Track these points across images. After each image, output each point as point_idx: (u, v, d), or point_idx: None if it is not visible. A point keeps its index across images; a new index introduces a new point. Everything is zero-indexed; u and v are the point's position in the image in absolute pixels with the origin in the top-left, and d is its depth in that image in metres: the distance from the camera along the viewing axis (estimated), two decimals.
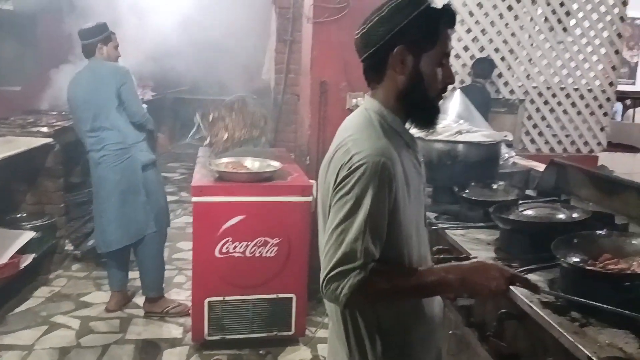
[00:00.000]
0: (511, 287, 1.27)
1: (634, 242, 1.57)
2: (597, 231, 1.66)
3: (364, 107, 1.32)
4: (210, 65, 5.32)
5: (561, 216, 1.90)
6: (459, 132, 2.48)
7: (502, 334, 1.61)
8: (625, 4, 4.98)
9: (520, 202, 2.06)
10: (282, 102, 4.35)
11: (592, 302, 1.34)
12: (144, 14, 4.00)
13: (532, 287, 1.30)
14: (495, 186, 2.37)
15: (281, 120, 4.40)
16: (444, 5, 1.27)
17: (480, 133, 2.53)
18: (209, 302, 2.95)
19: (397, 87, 1.27)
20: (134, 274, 3.60)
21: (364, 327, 1.31)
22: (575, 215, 1.88)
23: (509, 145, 3.44)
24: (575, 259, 1.53)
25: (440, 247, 1.96)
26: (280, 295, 3.02)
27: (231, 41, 4.55)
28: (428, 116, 1.32)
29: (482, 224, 2.09)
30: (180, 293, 3.73)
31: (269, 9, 4.50)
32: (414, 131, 1.37)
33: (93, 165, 3.30)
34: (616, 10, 4.97)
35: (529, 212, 1.95)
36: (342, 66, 3.37)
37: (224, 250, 2.89)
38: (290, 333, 3.09)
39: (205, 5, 4.55)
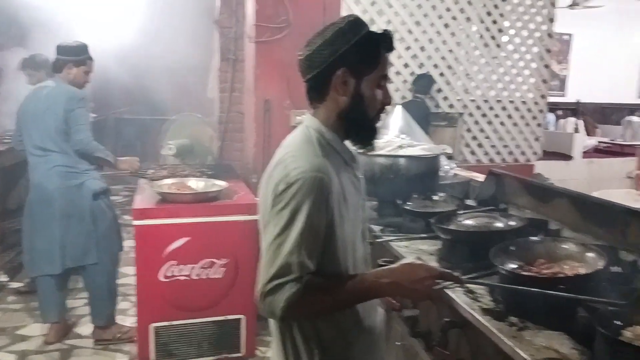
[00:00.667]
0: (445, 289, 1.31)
1: (564, 246, 1.65)
2: (531, 238, 1.73)
3: (305, 124, 1.35)
4: (154, 85, 5.23)
5: (499, 224, 1.96)
6: (400, 147, 2.53)
7: (447, 343, 1.64)
8: (552, 20, 5.28)
9: (460, 212, 2.12)
10: (227, 121, 4.33)
11: (518, 287, 1.42)
12: (83, 34, 3.90)
13: (456, 279, 1.34)
14: (436, 198, 2.43)
15: (227, 138, 4.37)
16: (384, 31, 1.32)
17: (421, 147, 2.59)
18: (154, 327, 2.87)
19: (339, 107, 1.31)
20: (73, 303, 3.44)
21: (302, 342, 1.31)
22: (512, 223, 1.95)
23: (450, 157, 3.53)
24: (512, 266, 1.59)
25: (385, 259, 1.98)
26: (229, 317, 2.97)
27: (174, 60, 4.51)
28: (366, 135, 1.37)
29: (424, 235, 2.12)
30: (125, 320, 3.58)
31: (210, 28, 4.48)
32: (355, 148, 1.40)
33: (35, 185, 3.14)
34: (544, 27, 5.26)
35: (469, 222, 2.00)
36: (286, 84, 3.39)
37: (168, 273, 2.83)
38: (240, 354, 3.04)
39: (147, 25, 4.49)
